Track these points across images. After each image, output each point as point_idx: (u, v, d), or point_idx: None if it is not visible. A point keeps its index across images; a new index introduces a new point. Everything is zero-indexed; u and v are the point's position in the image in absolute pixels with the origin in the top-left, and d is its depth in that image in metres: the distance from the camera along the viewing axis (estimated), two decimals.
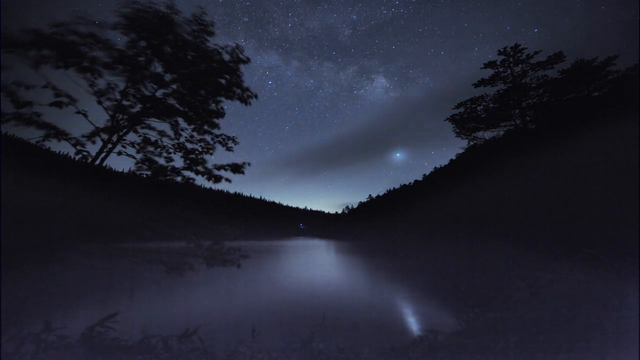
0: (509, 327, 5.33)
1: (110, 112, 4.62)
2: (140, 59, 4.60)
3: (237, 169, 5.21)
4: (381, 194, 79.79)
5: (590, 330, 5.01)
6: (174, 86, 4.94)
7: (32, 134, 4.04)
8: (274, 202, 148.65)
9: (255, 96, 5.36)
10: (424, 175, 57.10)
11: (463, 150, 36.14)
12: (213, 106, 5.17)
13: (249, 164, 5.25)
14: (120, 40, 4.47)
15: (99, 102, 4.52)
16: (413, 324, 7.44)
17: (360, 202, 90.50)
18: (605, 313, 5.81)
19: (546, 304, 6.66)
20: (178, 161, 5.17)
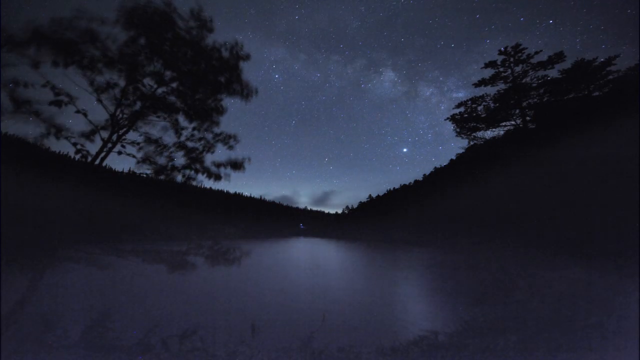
0: (509, 327, 5.33)
1: (110, 111, 4.60)
2: (140, 57, 4.59)
3: (236, 166, 5.19)
4: (381, 194, 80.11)
5: (590, 330, 5.00)
6: (174, 84, 4.93)
7: (31, 131, 4.04)
8: (274, 202, 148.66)
9: (256, 92, 5.35)
10: (424, 175, 57.19)
11: (463, 150, 36.13)
12: (213, 104, 5.16)
13: (249, 160, 5.22)
14: (119, 37, 4.46)
15: (99, 100, 4.51)
16: (414, 323, 7.44)
17: (361, 202, 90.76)
18: (605, 313, 5.80)
19: (546, 304, 6.65)
20: (178, 160, 5.16)
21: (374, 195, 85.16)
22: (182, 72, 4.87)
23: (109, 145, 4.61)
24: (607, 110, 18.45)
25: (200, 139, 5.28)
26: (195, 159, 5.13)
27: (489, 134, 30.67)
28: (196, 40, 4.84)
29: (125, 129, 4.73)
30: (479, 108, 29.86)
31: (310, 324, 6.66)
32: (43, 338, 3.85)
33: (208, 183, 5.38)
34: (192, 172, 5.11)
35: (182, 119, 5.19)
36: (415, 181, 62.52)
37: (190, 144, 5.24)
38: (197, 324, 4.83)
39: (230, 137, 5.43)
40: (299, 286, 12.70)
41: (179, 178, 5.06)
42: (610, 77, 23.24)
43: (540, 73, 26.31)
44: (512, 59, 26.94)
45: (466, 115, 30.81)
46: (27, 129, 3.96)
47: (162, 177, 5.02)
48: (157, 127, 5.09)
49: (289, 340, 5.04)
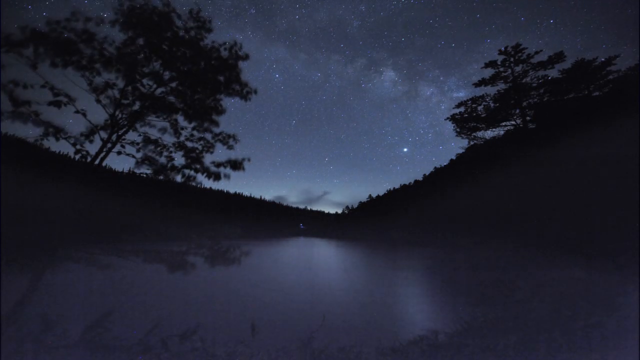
0: (510, 326, 5.33)
1: (109, 111, 4.60)
2: (139, 56, 4.59)
3: (236, 165, 5.18)
4: (381, 193, 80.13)
5: (590, 330, 5.00)
6: (173, 84, 4.94)
7: (30, 132, 4.04)
8: (273, 202, 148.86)
9: (255, 92, 5.35)
10: (424, 175, 57.17)
11: (463, 150, 36.11)
12: (212, 103, 5.16)
13: (248, 160, 5.21)
14: (118, 37, 4.47)
15: (98, 101, 4.51)
16: (413, 323, 7.44)
17: (360, 202, 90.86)
18: (605, 313, 5.80)
19: (547, 304, 6.64)
20: (178, 160, 5.16)
21: (374, 195, 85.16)
22: (181, 72, 4.87)
23: (109, 145, 4.61)
24: (607, 110, 18.43)
25: (199, 139, 5.28)
26: (194, 159, 5.13)
27: (489, 134, 30.66)
28: (195, 40, 4.85)
29: (124, 129, 4.73)
30: (479, 108, 29.84)
31: (310, 324, 6.66)
32: (43, 338, 3.85)
33: (208, 183, 5.38)
34: (192, 171, 5.11)
35: (181, 119, 5.19)
36: (415, 181, 62.45)
37: (189, 144, 5.24)
38: (197, 324, 4.83)
39: (229, 136, 5.43)
40: (299, 286, 12.69)
41: (179, 178, 5.06)
42: (610, 77, 23.22)
43: (540, 73, 26.31)
44: (512, 59, 26.93)
45: (466, 115, 30.79)
46: (27, 129, 3.97)
47: (161, 177, 5.02)
48: (156, 127, 5.09)
49: (289, 340, 5.05)
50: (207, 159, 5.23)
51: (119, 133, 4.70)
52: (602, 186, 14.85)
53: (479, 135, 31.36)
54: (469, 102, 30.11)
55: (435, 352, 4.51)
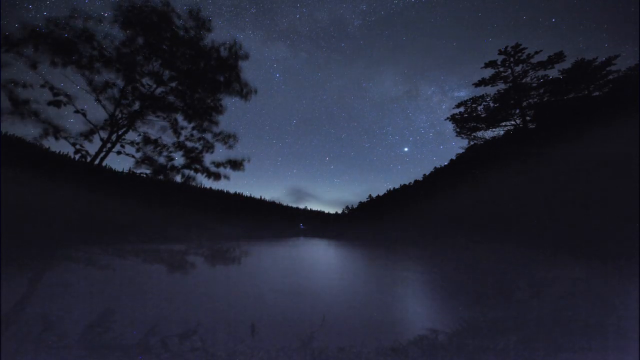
0: (510, 326, 5.33)
1: (109, 111, 4.61)
2: (139, 56, 4.60)
3: (236, 165, 5.19)
4: (381, 193, 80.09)
5: (590, 330, 5.00)
6: (173, 84, 4.94)
7: (30, 131, 4.04)
8: (273, 202, 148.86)
9: (255, 91, 5.36)
10: (424, 175, 57.17)
11: (463, 150, 36.08)
12: (212, 103, 5.17)
13: (248, 160, 5.22)
14: (117, 37, 4.47)
15: (98, 101, 4.51)
16: (413, 323, 7.44)
17: (360, 202, 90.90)
18: (605, 313, 5.80)
19: (547, 304, 6.64)
20: (178, 160, 5.16)
21: (374, 195, 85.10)
22: (181, 71, 4.87)
23: (109, 145, 4.61)
24: (607, 110, 18.43)
25: (199, 139, 5.28)
26: (194, 159, 5.13)
27: (489, 134, 30.65)
28: (195, 39, 4.85)
29: (124, 129, 4.73)
30: (479, 108, 29.84)
31: (310, 324, 6.66)
32: (43, 338, 3.85)
33: (208, 183, 5.38)
34: (192, 171, 5.11)
35: (181, 119, 5.20)
36: (416, 181, 62.41)
37: (189, 144, 5.24)
38: (197, 324, 4.83)
39: (229, 136, 5.44)
40: (298, 286, 12.69)
41: (178, 178, 5.06)
42: (610, 77, 23.21)
43: (540, 73, 26.31)
44: (512, 59, 26.93)
45: (466, 115, 30.79)
46: (26, 129, 3.97)
47: (161, 177, 5.02)
48: (156, 126, 5.10)
49: (289, 340, 5.04)
50: (207, 159, 5.23)
51: (119, 133, 4.70)
52: (602, 186, 14.84)
53: (479, 135, 31.35)
54: (469, 102, 30.11)
55: (435, 352, 4.51)
